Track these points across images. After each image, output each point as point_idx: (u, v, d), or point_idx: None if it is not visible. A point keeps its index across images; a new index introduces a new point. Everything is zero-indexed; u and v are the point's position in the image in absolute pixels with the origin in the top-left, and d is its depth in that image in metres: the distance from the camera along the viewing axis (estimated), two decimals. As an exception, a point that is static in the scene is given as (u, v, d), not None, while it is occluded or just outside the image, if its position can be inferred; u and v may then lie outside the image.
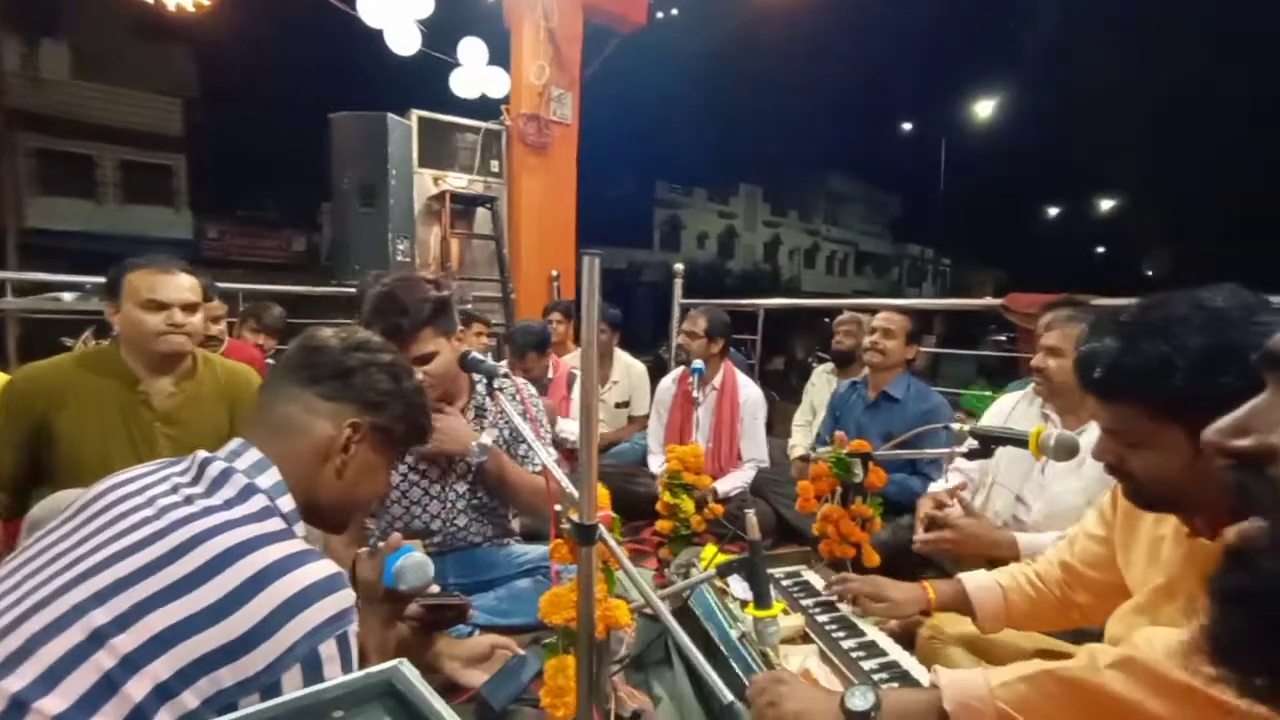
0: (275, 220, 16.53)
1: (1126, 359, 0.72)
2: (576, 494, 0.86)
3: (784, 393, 4.44)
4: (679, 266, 4.21)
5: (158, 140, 14.13)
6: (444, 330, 1.41)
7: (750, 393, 2.54)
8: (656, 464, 2.51)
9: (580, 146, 5.06)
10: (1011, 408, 1.71)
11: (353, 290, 3.69)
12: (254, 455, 0.78)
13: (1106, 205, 34.82)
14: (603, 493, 0.95)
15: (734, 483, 2.36)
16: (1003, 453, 1.55)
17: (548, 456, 1.05)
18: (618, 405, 3.17)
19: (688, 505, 1.99)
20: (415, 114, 4.49)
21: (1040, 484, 1.52)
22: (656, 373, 3.38)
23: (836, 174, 33.27)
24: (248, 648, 0.62)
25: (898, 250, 36.01)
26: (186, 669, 0.60)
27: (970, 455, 1.26)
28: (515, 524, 1.70)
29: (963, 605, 1.17)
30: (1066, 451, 1.09)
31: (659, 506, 2.05)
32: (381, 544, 1.05)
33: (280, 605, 0.64)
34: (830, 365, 3.11)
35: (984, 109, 24.40)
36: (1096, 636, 1.00)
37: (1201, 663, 0.39)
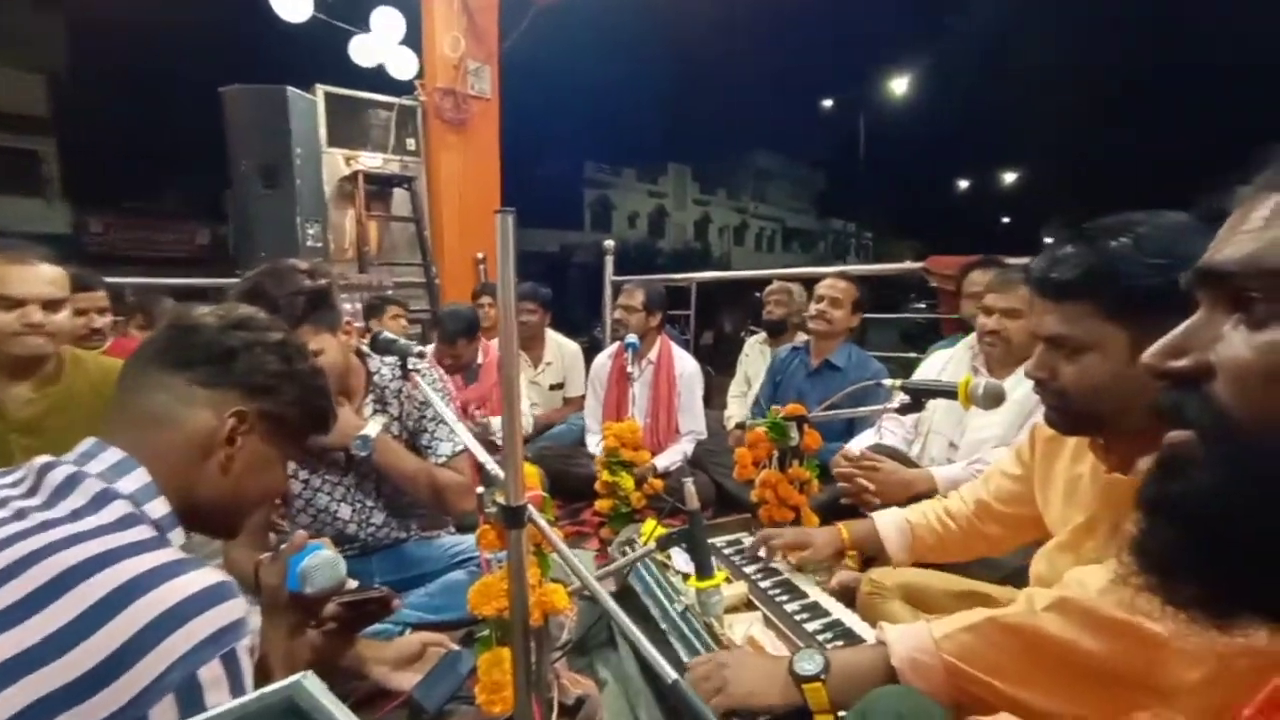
0: (173, 211, 15.12)
1: (1089, 256, 0.75)
2: (501, 475, 0.80)
3: (719, 367, 4.48)
4: (609, 243, 4.14)
5: (18, 122, 12.57)
6: (326, 325, 1.25)
7: (687, 365, 2.53)
8: (594, 443, 2.46)
9: (502, 123, 4.87)
10: (944, 364, 1.78)
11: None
12: (113, 455, 0.66)
13: (1010, 178, 37.12)
14: (530, 471, 0.88)
15: (673, 457, 2.34)
16: (937, 405, 1.62)
17: (469, 437, 0.97)
18: (552, 387, 3.09)
19: (627, 482, 1.97)
20: (321, 89, 4.18)
21: (966, 427, 1.59)
22: (591, 354, 3.32)
23: (762, 151, 33.89)
24: (103, 682, 0.51)
25: (822, 225, 37.14)
26: (17, 717, 0.49)
27: (903, 410, 1.28)
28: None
29: (873, 542, 1.21)
30: (994, 400, 1.12)
31: (598, 486, 2.01)
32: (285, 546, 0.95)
33: (146, 626, 0.54)
34: (763, 335, 3.13)
35: (899, 86, 25.32)
36: (1014, 571, 1.10)
37: (1133, 578, 0.39)
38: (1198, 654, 0.55)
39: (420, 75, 4.52)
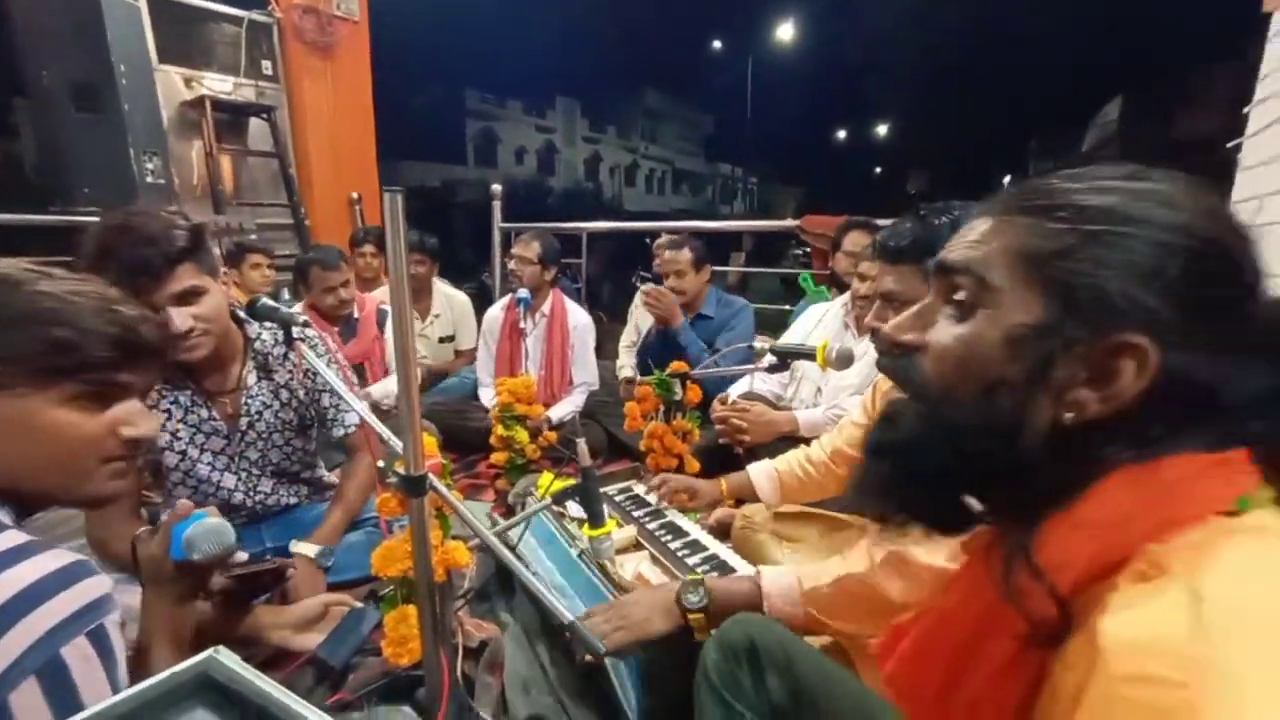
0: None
1: (918, 229, 0.95)
2: (400, 446, 0.83)
3: (610, 313, 4.56)
4: (497, 188, 4.01)
5: None
6: (207, 267, 1.19)
7: (579, 318, 2.58)
8: (488, 397, 2.48)
9: (374, 52, 4.44)
10: (819, 318, 1.98)
11: (84, 219, 2.96)
12: None
13: (882, 130, 39.49)
14: (429, 441, 0.92)
15: (567, 408, 2.42)
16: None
17: (366, 411, 0.98)
18: (442, 340, 3.02)
19: (522, 436, 2.02)
20: (142, -10, 3.56)
21: (829, 376, 1.82)
22: (480, 301, 3.25)
23: (652, 90, 33.36)
24: None
25: (711, 169, 37.68)
26: None
27: (771, 369, 1.44)
28: (333, 476, 1.58)
29: (748, 490, 1.41)
30: (844, 363, 1.30)
31: (493, 439, 2.04)
32: (164, 517, 0.92)
33: None
34: (651, 286, 3.23)
35: (785, 32, 25.73)
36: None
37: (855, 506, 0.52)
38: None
39: (269, -13, 3.99)
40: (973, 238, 0.46)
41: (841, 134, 42.35)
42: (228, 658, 0.59)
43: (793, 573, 0.95)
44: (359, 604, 1.21)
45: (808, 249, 3.71)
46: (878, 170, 41.05)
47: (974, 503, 0.47)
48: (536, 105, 27.23)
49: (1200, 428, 0.39)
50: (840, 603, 0.89)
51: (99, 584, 0.59)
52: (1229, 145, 1.04)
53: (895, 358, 0.50)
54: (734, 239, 6.75)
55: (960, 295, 0.46)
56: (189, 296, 1.15)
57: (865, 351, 1.62)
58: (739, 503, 1.55)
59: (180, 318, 1.14)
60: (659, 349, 2.37)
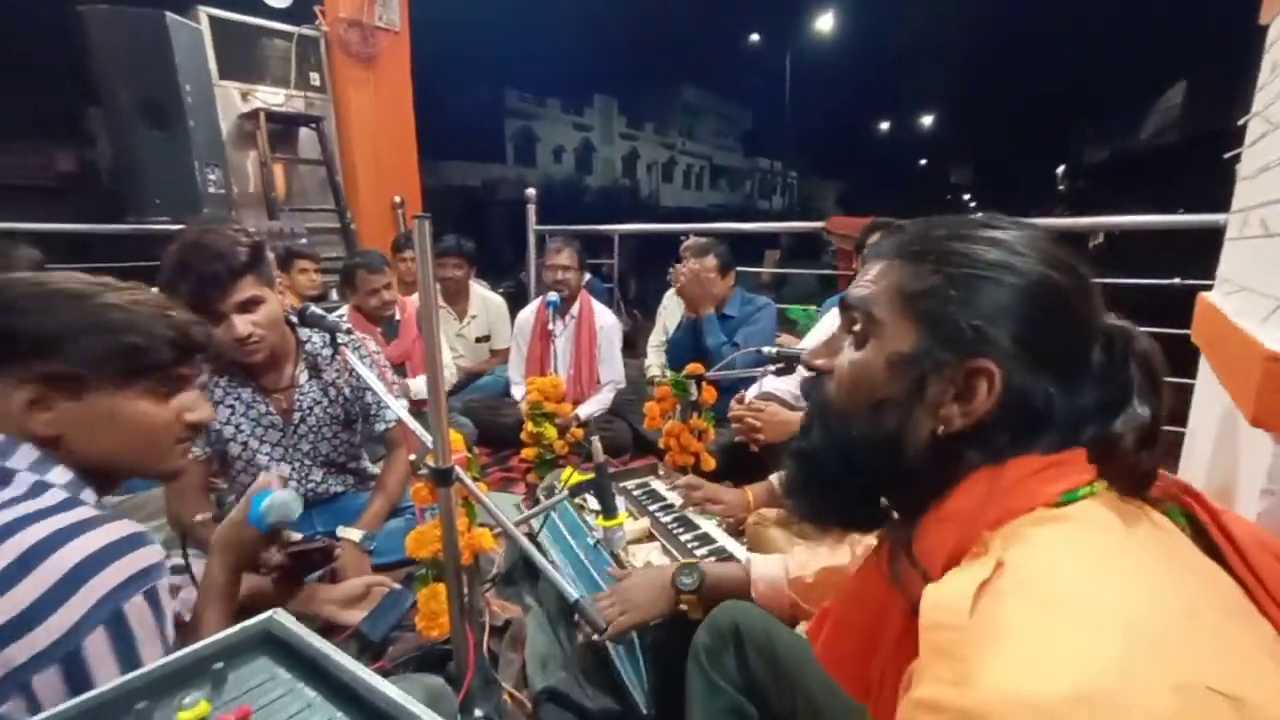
0: (19, 130, 12.95)
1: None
2: (430, 442, 0.93)
3: (644, 312, 4.63)
4: (531, 191, 4.13)
5: None
6: (265, 279, 1.34)
7: (606, 319, 2.68)
8: (519, 394, 2.60)
9: (414, 56, 4.63)
10: (837, 319, 2.02)
11: (155, 228, 3.21)
12: None
13: (925, 121, 38.40)
14: (456, 438, 1.02)
15: (594, 407, 2.52)
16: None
17: (403, 411, 1.09)
18: (478, 340, 3.16)
19: (550, 432, 2.13)
20: (204, 13, 3.82)
21: None
22: (517, 300, 3.38)
23: (689, 86, 33.22)
24: (33, 623, 0.60)
25: (750, 164, 37.29)
26: None
27: (778, 373, 1.50)
28: (376, 467, 1.72)
29: (773, 497, 1.46)
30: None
31: (523, 436, 2.16)
32: (231, 499, 1.05)
33: (63, 577, 0.62)
34: (685, 267, 3.28)
35: (824, 24, 25.27)
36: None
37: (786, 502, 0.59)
38: None
39: (320, 1, 4.21)
40: (868, 278, 0.53)
41: (883, 126, 41.46)
42: (285, 618, 0.70)
43: (780, 562, 1.01)
44: (398, 585, 1.34)
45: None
46: (922, 162, 39.95)
47: (885, 502, 0.54)
48: (574, 103, 27.47)
49: (1042, 435, 0.46)
50: (821, 593, 0.95)
51: (154, 552, 0.70)
52: (1226, 156, 1.06)
53: (812, 379, 0.58)
54: (769, 235, 6.74)
55: (857, 327, 0.53)
56: (250, 305, 1.30)
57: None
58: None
59: (242, 324, 1.28)
60: (686, 342, 2.45)
